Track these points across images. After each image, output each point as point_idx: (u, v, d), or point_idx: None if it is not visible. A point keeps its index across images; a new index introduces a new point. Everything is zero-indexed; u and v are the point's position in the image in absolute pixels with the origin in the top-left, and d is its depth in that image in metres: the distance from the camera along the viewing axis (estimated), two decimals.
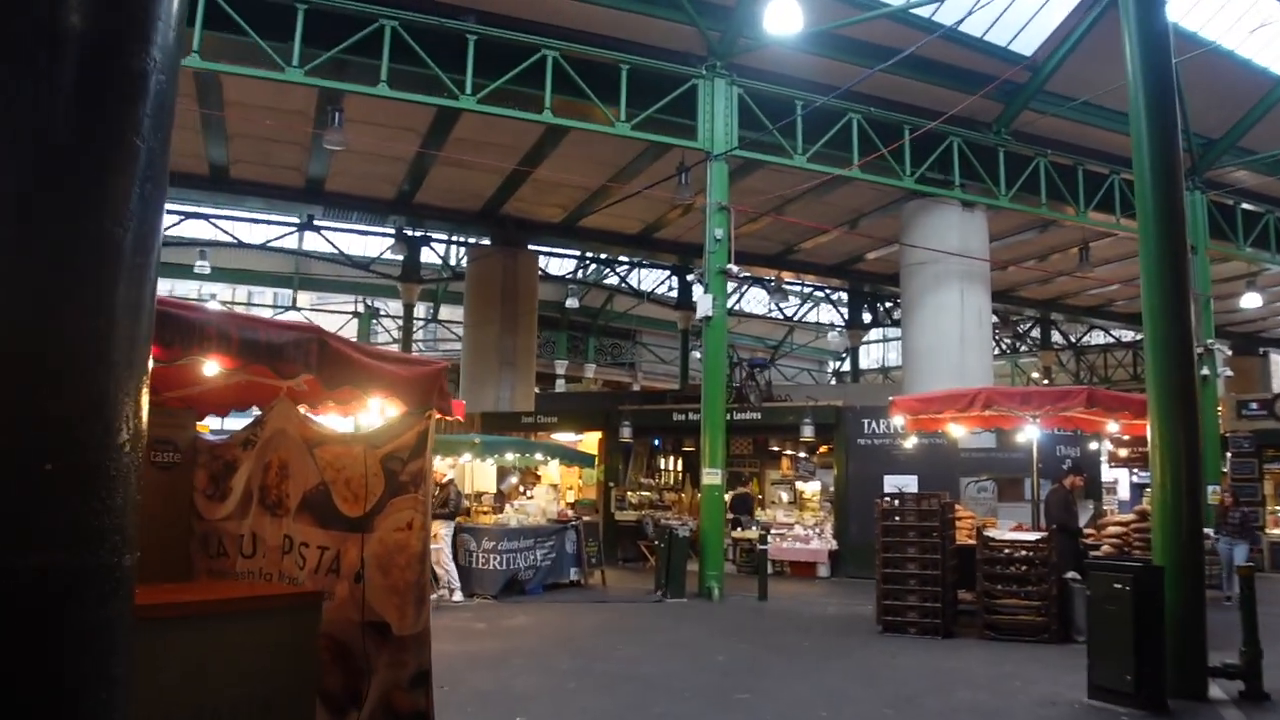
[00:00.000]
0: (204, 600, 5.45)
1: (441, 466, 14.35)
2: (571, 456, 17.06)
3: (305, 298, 42.19)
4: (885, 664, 9.63)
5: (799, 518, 19.90)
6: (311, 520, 6.26)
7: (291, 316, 38.03)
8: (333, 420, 7.76)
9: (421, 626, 5.68)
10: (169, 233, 29.25)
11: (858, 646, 10.62)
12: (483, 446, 14.45)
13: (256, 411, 7.01)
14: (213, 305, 35.66)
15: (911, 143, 18.14)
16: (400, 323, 36.76)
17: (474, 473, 17.27)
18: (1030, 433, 12.27)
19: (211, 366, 5.39)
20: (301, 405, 6.55)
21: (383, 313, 38.43)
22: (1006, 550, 11.13)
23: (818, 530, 19.10)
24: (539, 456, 16.39)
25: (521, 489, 17.81)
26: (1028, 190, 19.77)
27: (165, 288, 30.00)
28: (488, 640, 10.78)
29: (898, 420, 13.28)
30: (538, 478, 23.34)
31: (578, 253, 31.74)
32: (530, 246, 26.65)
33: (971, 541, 12.25)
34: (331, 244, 29.11)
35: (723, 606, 14.11)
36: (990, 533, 11.48)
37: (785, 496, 22.88)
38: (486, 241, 26.21)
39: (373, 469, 5.94)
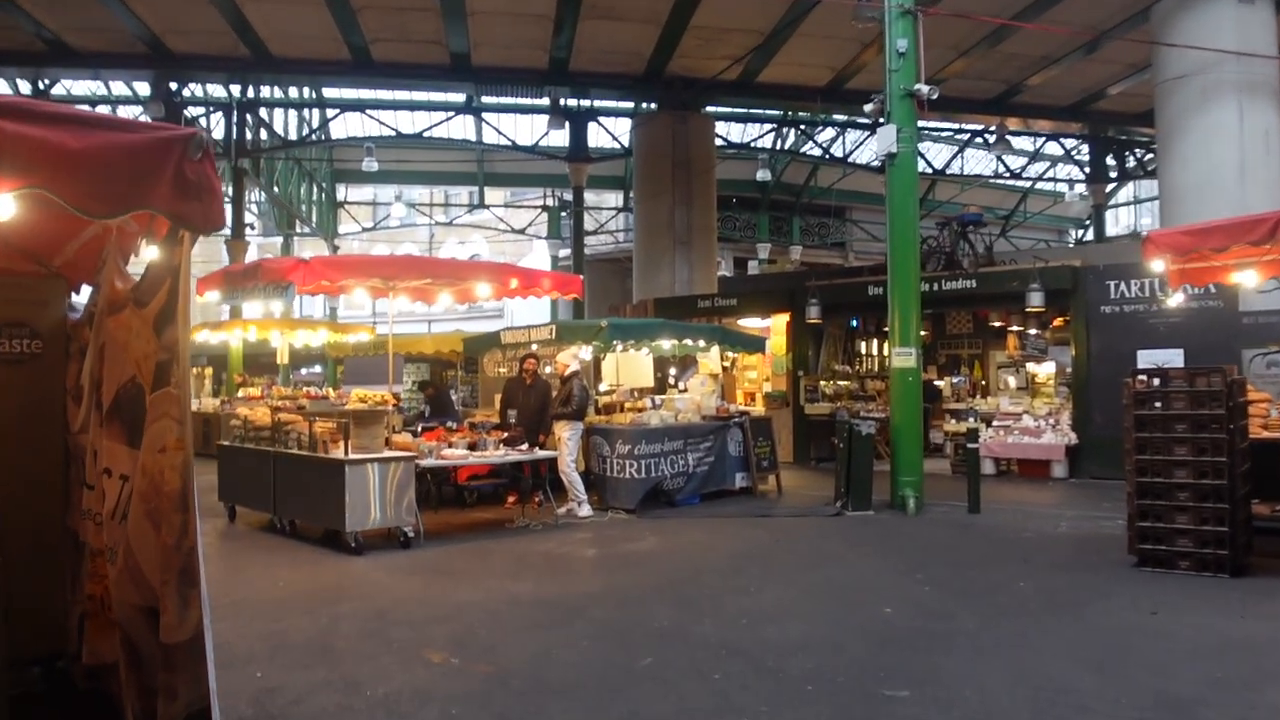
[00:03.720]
0: None
1: (564, 356, 11.88)
2: (736, 340, 14.16)
3: (496, 194, 40.80)
4: (1139, 628, 6.39)
5: (1029, 405, 16.26)
6: (120, 432, 3.78)
7: (478, 215, 36.79)
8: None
9: (191, 631, 3.09)
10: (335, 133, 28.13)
11: (1097, 592, 7.37)
12: (610, 331, 11.82)
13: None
14: (399, 208, 34.85)
15: None
16: (606, 216, 34.78)
17: (623, 366, 14.72)
18: None
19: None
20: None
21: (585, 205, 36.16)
22: None
23: (1051, 421, 15.45)
24: (687, 342, 13.57)
25: (676, 383, 15.10)
26: None
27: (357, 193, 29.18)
28: (576, 577, 8.31)
29: (1155, 271, 9.54)
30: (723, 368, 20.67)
31: (769, 121, 28.30)
32: (706, 110, 23.51)
33: (1271, 436, 8.59)
34: (496, 129, 26.97)
35: (918, 522, 11.04)
36: None
37: (1013, 382, 19.13)
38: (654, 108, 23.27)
39: (150, 343, 3.36)
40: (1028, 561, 8.58)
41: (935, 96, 11.97)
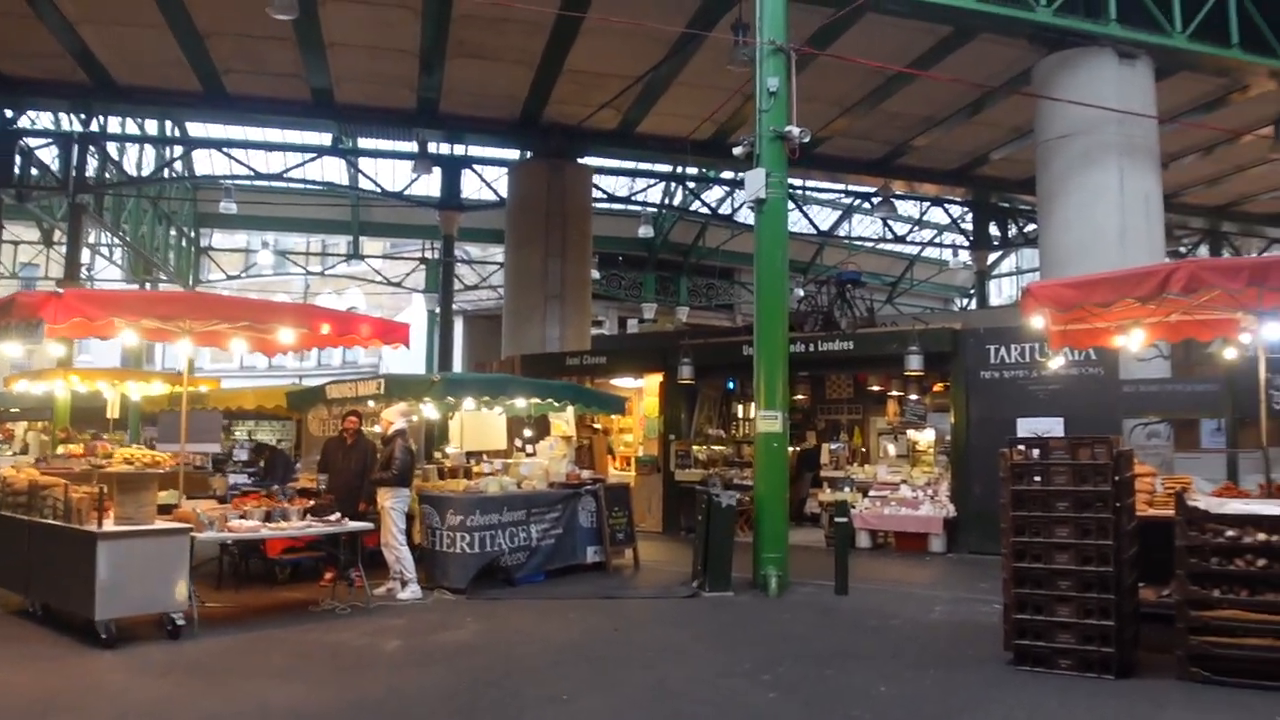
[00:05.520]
0: None
1: (390, 414, 10.50)
2: (592, 399, 12.94)
3: (375, 245, 39.14)
4: None
5: (908, 475, 15.40)
6: None
7: (356, 267, 35.14)
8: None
9: None
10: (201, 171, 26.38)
11: (967, 701, 6.27)
12: (444, 385, 10.49)
13: None
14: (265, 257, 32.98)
15: None
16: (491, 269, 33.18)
17: (474, 427, 13.36)
18: (1262, 336, 7.65)
19: None
20: None
21: (468, 258, 34.73)
22: (1232, 533, 6.56)
23: (930, 491, 14.59)
24: (521, 402, 12.24)
25: (524, 447, 13.72)
26: (1211, 28, 14.60)
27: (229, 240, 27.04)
28: (359, 678, 6.87)
29: (1034, 327, 8.65)
30: (593, 430, 19.44)
31: (656, 176, 27.51)
32: (585, 160, 22.54)
33: (1159, 513, 7.71)
34: (365, 174, 25.56)
35: (779, 605, 9.87)
36: (1198, 501, 6.90)
37: (893, 449, 18.35)
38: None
39: None
40: (895, 656, 7.46)
41: (807, 139, 11.12)
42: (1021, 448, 7.30)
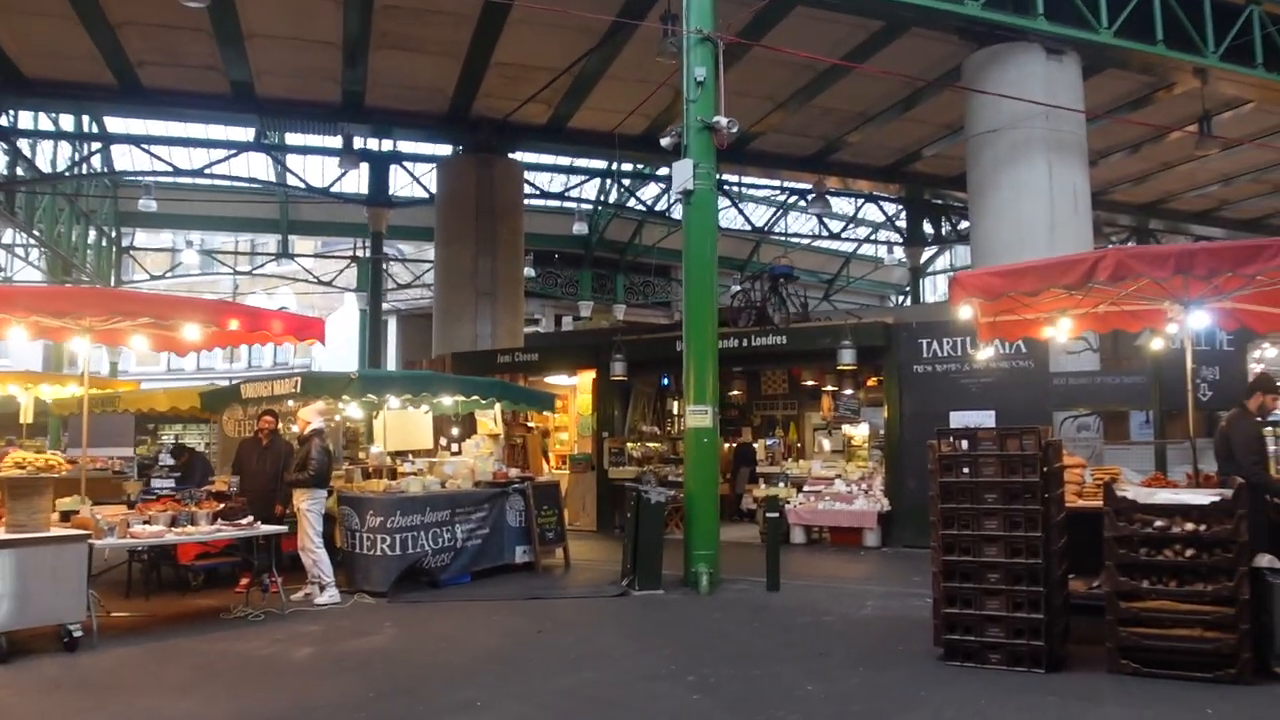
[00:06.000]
0: None
1: (307, 413, 10.10)
2: (519, 395, 12.61)
3: (307, 244, 38.30)
4: None
5: (843, 470, 15.30)
6: None
7: (286, 267, 34.34)
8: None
9: None
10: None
11: (895, 700, 6.09)
12: (360, 383, 10.11)
13: None
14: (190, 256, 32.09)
15: None
16: (424, 268, 32.56)
17: (399, 426, 12.97)
18: (1189, 325, 7.60)
19: None
20: None
21: (401, 256, 34.07)
22: (1160, 523, 6.47)
23: (864, 486, 14.51)
24: (448, 400, 11.94)
25: (449, 445, 13.35)
26: (1136, 26, 14.72)
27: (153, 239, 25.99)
28: (262, 691, 6.49)
29: (963, 317, 8.54)
30: (526, 429, 19.10)
31: (591, 174, 27.21)
32: (515, 156, 22.18)
33: (1088, 504, 7.63)
34: (291, 171, 24.93)
35: (709, 604, 9.65)
36: (1125, 491, 6.81)
37: (828, 445, 18.31)
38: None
39: None
40: (824, 655, 7.28)
41: (735, 130, 10.90)
42: (950, 439, 7.16)
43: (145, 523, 8.58)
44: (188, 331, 8.78)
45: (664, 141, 11.32)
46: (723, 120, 10.79)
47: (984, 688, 6.21)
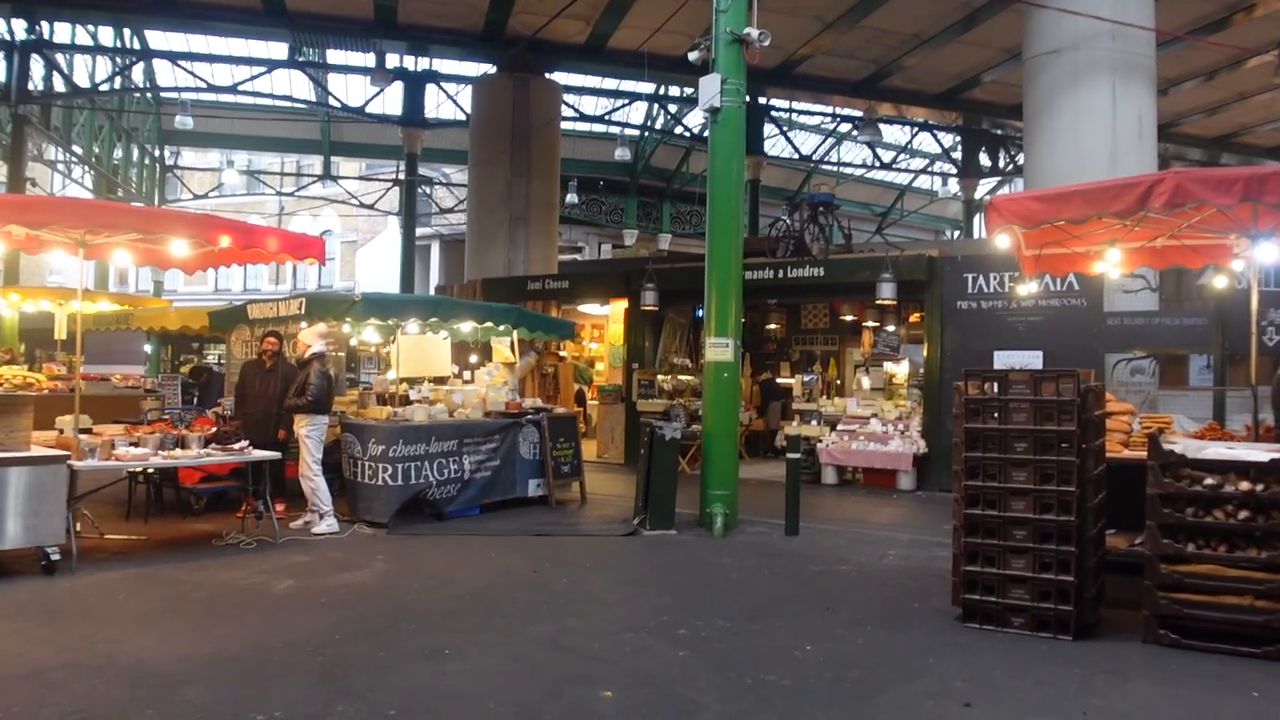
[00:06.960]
0: None
1: (307, 335, 9.67)
2: (535, 322, 12.07)
3: (351, 166, 37.92)
4: None
5: (881, 409, 14.62)
6: None
7: (330, 189, 34.07)
8: None
9: None
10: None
11: (902, 666, 5.53)
12: (365, 305, 9.64)
13: None
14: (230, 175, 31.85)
15: None
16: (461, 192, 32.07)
17: (416, 352, 12.50)
18: (1256, 261, 6.80)
19: None
20: None
21: (446, 180, 33.57)
22: (1211, 480, 5.79)
23: (900, 426, 13.85)
24: (467, 327, 11.47)
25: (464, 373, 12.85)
26: None
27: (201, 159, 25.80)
28: (228, 625, 6.12)
29: (1001, 246, 7.77)
30: (558, 358, 18.64)
31: (637, 97, 26.32)
32: (553, 76, 21.40)
33: (1132, 455, 6.96)
34: (320, 85, 24.33)
35: (721, 547, 9.14)
36: (1174, 444, 6.11)
37: (867, 382, 17.58)
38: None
39: None
40: (831, 610, 6.74)
41: (767, 43, 10.07)
42: (979, 381, 6.49)
43: (133, 445, 8.25)
44: (175, 247, 8.33)
45: (691, 56, 10.55)
46: (754, 32, 10.00)
47: (1001, 656, 5.63)
